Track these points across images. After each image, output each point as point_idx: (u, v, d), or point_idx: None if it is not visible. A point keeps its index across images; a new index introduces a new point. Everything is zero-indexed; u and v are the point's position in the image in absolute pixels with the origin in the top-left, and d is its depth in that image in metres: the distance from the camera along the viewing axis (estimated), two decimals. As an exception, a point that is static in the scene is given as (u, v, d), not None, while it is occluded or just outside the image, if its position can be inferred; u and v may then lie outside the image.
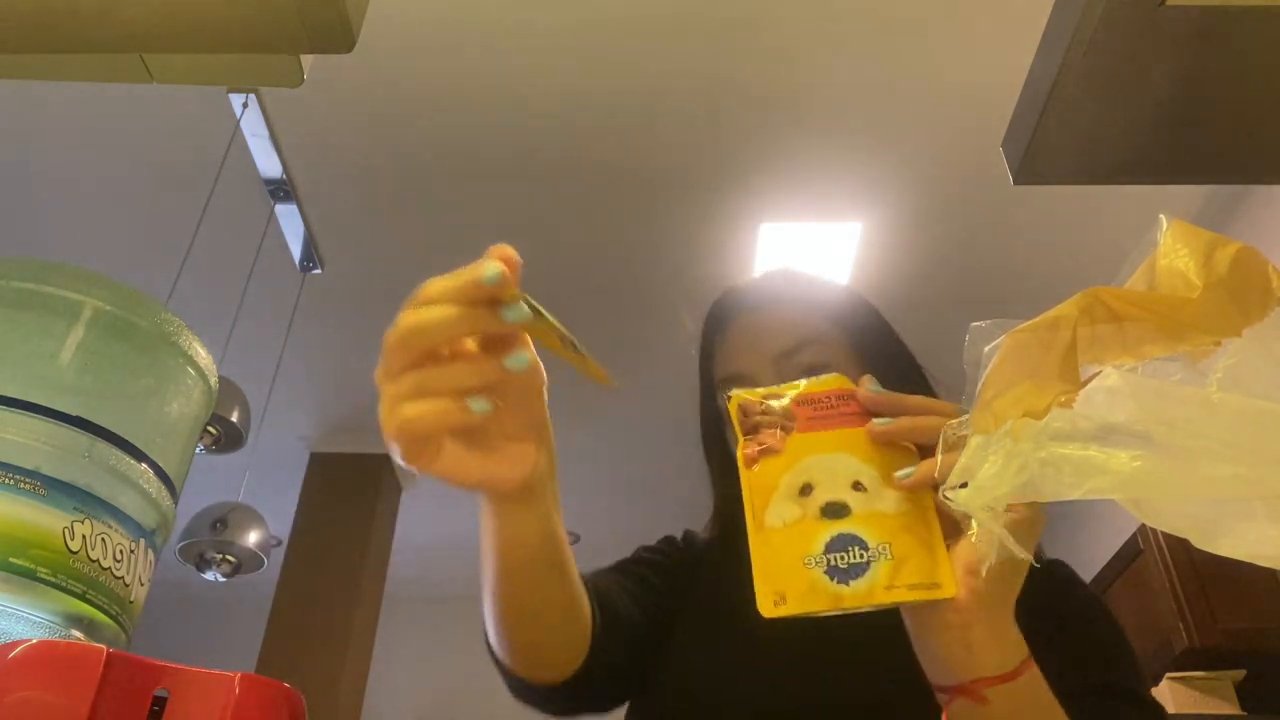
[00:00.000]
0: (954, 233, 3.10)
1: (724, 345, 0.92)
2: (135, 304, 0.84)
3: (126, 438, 0.77)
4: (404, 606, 4.33)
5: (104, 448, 0.75)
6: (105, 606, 0.73)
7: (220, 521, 2.32)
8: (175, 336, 0.83)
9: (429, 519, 4.22)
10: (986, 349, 0.51)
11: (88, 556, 0.71)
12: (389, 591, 3.81)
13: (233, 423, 2.14)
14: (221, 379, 2.46)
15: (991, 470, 0.44)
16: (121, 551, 0.75)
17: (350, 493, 3.70)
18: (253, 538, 2.35)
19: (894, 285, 3.26)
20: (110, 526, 0.74)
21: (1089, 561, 3.33)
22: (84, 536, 0.72)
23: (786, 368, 0.85)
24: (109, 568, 0.74)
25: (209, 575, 2.39)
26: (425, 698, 4.51)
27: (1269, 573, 2.52)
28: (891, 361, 0.90)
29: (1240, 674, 2.61)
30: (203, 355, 0.85)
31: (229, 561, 2.36)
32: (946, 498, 0.47)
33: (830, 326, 0.89)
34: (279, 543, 3.39)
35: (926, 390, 0.89)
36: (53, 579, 0.69)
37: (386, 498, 3.80)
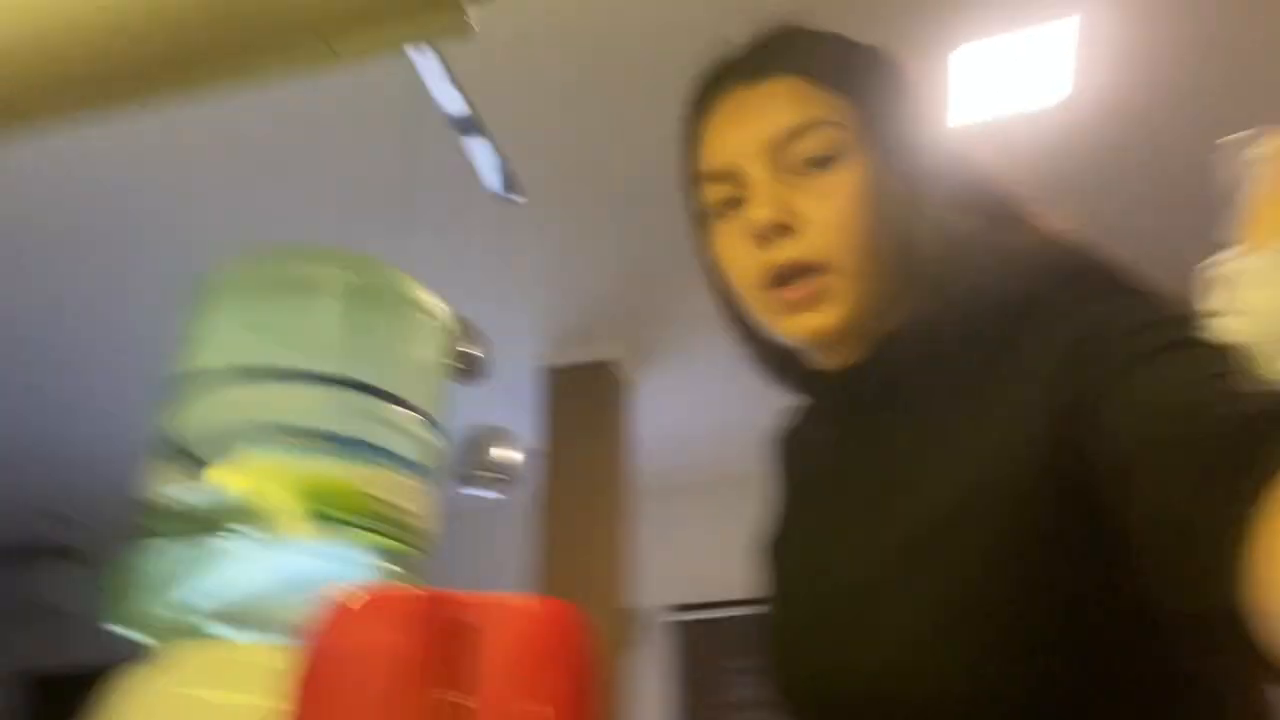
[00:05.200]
0: (1198, 23, 2.69)
1: (708, 131, 0.73)
2: (376, 271, 0.92)
3: (394, 391, 0.86)
4: (657, 495, 4.57)
5: (376, 403, 0.84)
6: (404, 538, 0.83)
7: (481, 442, 2.53)
8: (412, 294, 0.91)
9: (664, 412, 4.39)
10: (1252, 155, 0.45)
11: (381, 499, 0.81)
12: (644, 484, 4.02)
13: (475, 355, 2.31)
14: (459, 316, 2.62)
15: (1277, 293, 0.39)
16: (408, 490, 0.84)
17: (586, 399, 3.90)
18: (513, 454, 2.55)
19: (1121, 92, 2.90)
20: (395, 470, 0.83)
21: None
22: (376, 482, 0.81)
23: (783, 159, 0.67)
24: (400, 505, 0.84)
25: (481, 493, 2.63)
26: (688, 573, 4.78)
27: None
28: (909, 149, 0.69)
29: None
30: (437, 305, 0.92)
31: (498, 479, 2.58)
32: (1223, 332, 0.42)
33: (843, 102, 0.69)
34: (536, 454, 3.66)
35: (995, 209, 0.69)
36: (359, 521, 0.79)
37: (619, 397, 3.98)
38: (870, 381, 0.69)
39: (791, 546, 0.73)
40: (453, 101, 3.01)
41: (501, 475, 2.69)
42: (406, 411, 0.86)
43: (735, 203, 0.69)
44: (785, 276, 0.66)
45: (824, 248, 0.66)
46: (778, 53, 0.74)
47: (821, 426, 0.77)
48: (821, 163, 0.67)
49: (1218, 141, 0.44)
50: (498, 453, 2.65)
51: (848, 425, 0.72)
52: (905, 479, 0.64)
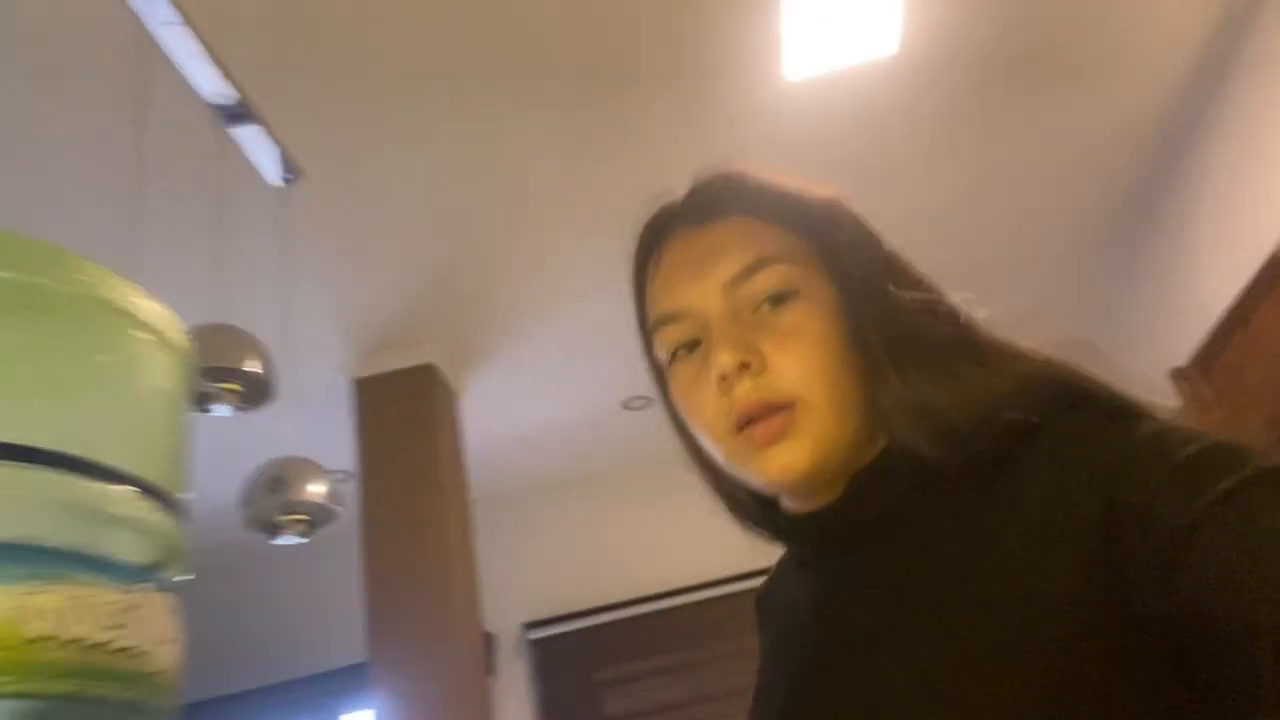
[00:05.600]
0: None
1: (658, 276, 0.73)
2: (50, 264, 0.59)
3: (80, 455, 0.53)
4: (494, 507, 4.27)
5: (62, 481, 0.51)
6: (113, 692, 0.52)
7: (276, 480, 2.14)
8: (101, 290, 0.58)
9: (491, 417, 4.08)
10: None
11: (64, 638, 0.49)
12: (477, 496, 3.71)
13: (255, 373, 1.91)
14: (232, 329, 2.18)
15: None
16: (115, 611, 0.53)
17: (405, 410, 3.55)
18: (318, 488, 2.17)
19: (945, 49, 2.86)
20: (87, 584, 0.52)
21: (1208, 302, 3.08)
22: (50, 612, 0.49)
23: (740, 298, 0.68)
24: (103, 641, 0.52)
25: (284, 540, 2.23)
26: (536, 586, 4.52)
27: None
28: (875, 282, 0.68)
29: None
30: (148, 305, 0.59)
31: (301, 520, 2.19)
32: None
33: (797, 239, 0.70)
34: (348, 478, 3.26)
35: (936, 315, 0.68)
36: (18, 685, 0.47)
37: (443, 405, 3.64)
38: (847, 519, 0.66)
39: (780, 707, 0.68)
40: (216, 86, 2.58)
41: (310, 515, 2.30)
42: (118, 487, 0.53)
43: (694, 345, 0.69)
44: (753, 417, 0.64)
45: (789, 385, 0.65)
46: (723, 195, 0.73)
47: (802, 575, 0.73)
48: (779, 299, 0.67)
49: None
50: (302, 489, 2.27)
51: (829, 570, 0.68)
52: (900, 626, 0.59)
